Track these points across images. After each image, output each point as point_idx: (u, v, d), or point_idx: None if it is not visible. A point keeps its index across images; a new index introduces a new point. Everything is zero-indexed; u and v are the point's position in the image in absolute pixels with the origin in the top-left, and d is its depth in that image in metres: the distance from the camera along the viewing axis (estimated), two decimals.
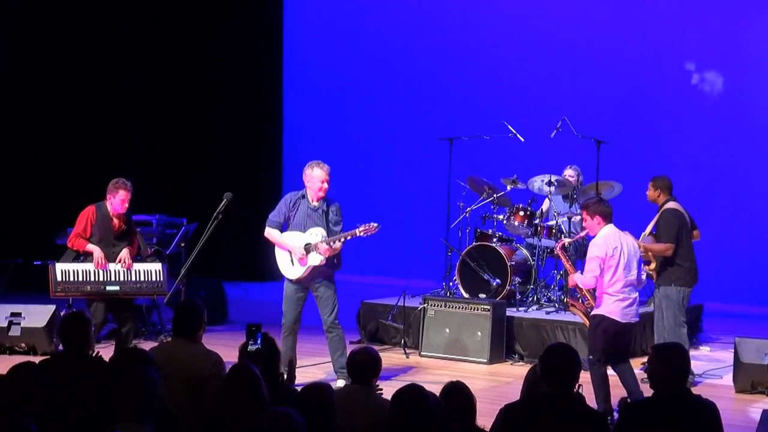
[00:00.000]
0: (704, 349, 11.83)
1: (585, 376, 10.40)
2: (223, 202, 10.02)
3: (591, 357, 8.78)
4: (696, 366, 9.95)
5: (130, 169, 16.76)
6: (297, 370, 9.49)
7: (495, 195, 12.21)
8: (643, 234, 10.00)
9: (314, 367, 10.42)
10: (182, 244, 12.25)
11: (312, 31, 17.32)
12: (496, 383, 10.21)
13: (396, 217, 16.37)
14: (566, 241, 9.97)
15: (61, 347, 7.50)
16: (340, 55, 17.09)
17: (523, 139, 12.60)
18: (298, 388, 5.89)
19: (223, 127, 17.04)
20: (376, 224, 9.47)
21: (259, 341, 6.15)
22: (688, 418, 5.45)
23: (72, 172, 15.56)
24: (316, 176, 9.44)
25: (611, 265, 8.59)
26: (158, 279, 10.21)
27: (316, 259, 9.42)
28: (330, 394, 5.38)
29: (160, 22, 16.75)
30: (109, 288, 9.99)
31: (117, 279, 10.07)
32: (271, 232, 9.63)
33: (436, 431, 5.14)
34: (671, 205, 9.95)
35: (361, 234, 9.47)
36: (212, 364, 6.59)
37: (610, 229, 8.70)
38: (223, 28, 16.98)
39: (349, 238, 9.45)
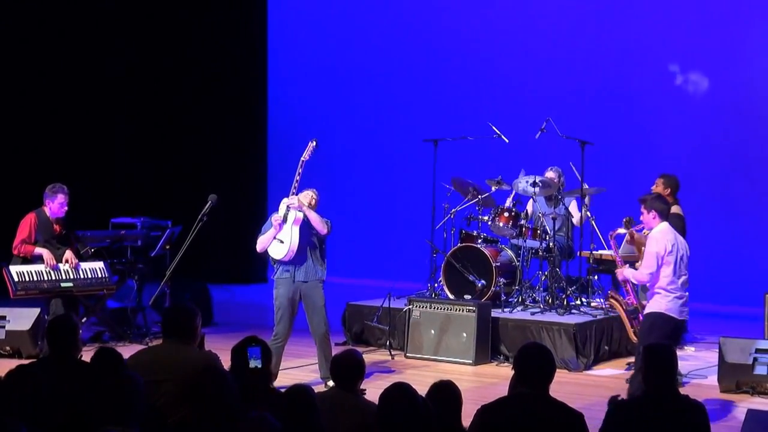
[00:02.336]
0: (689, 349, 11.85)
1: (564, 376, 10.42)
2: (208, 204, 10.00)
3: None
4: (681, 366, 9.96)
5: (115, 172, 16.80)
6: (281, 372, 9.58)
7: (480, 196, 12.22)
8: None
9: (297, 369, 10.42)
10: (167, 247, 12.22)
11: (297, 31, 17.30)
12: (481, 384, 10.21)
13: (381, 218, 16.39)
14: (620, 231, 9.82)
15: (46, 350, 7.48)
16: (325, 57, 17.08)
17: (507, 141, 12.60)
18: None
19: (207, 129, 17.01)
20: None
21: (259, 356, 6.05)
22: (677, 418, 5.45)
23: (57, 175, 15.46)
24: None
25: (669, 261, 8.51)
26: (104, 275, 10.75)
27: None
28: (313, 396, 5.36)
29: (143, 20, 16.72)
30: (63, 285, 10.49)
31: (68, 277, 10.55)
32: None
33: (424, 429, 5.14)
34: (677, 209, 9.88)
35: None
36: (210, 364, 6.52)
37: (665, 225, 8.64)
38: (208, 28, 16.95)
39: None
